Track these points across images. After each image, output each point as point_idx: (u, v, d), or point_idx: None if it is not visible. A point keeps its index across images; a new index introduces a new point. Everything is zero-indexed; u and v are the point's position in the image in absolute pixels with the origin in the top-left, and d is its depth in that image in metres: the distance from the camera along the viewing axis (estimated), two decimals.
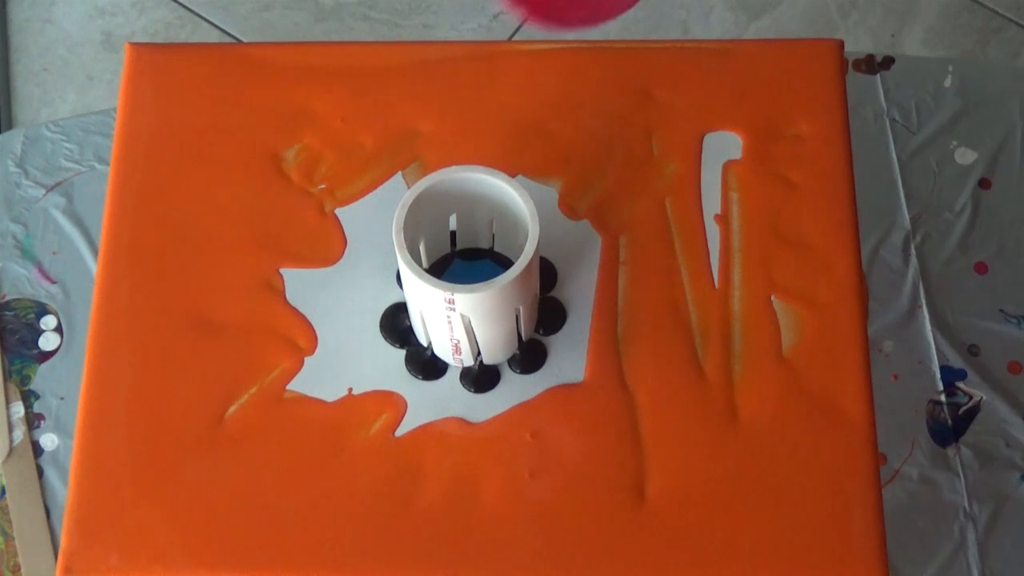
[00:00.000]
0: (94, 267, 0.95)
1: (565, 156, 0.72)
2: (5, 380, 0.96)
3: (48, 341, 0.97)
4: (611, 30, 1.44)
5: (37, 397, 0.95)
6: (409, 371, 0.67)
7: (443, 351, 0.67)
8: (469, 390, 0.67)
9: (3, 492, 0.93)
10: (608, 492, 0.65)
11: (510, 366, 0.67)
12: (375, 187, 0.72)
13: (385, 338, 0.68)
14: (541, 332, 0.68)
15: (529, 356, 0.67)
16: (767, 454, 0.65)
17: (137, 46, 0.75)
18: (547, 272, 0.69)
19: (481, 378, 0.67)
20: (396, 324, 0.68)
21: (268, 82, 0.74)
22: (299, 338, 0.68)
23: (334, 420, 0.67)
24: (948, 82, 1.07)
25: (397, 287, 0.69)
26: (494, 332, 0.64)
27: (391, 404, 0.67)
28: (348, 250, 0.70)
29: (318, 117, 0.73)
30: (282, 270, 0.70)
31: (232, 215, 0.71)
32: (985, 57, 1.39)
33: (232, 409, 0.67)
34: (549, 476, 0.65)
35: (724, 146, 0.72)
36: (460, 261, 0.69)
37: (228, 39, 1.41)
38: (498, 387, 0.67)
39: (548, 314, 0.68)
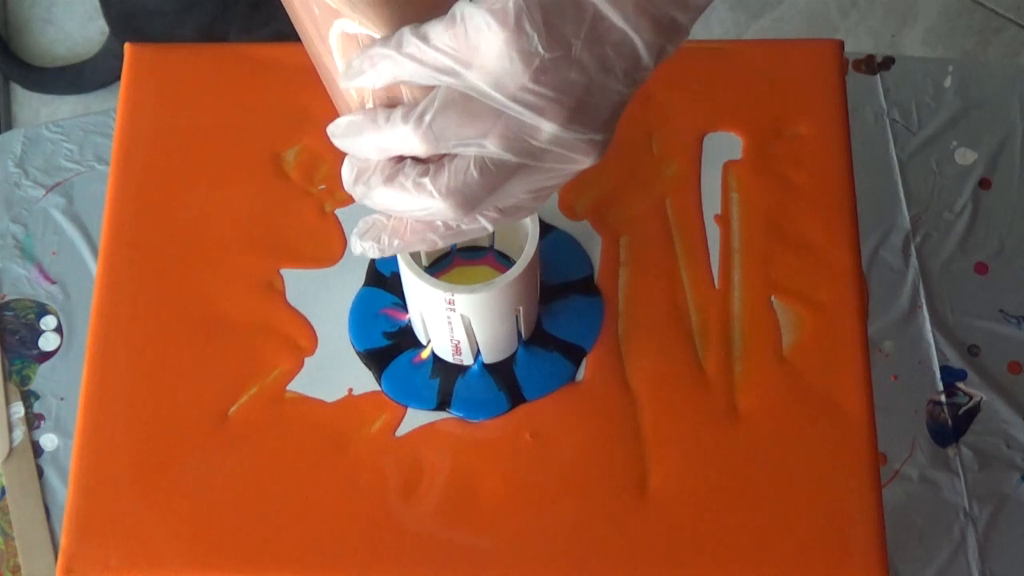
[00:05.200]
0: (94, 267, 0.95)
1: None
2: (5, 380, 0.96)
3: (48, 341, 0.97)
4: None
5: (37, 397, 0.95)
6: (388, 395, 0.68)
7: (443, 351, 0.67)
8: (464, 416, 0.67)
9: (3, 492, 0.93)
10: (609, 492, 0.65)
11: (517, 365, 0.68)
12: None
13: (364, 362, 0.68)
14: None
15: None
16: (768, 454, 0.65)
17: (137, 46, 0.75)
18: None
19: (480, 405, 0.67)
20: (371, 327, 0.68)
21: (268, 82, 0.74)
22: (299, 338, 0.68)
23: (334, 420, 0.67)
24: (948, 82, 1.06)
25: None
26: (494, 332, 0.64)
27: (391, 404, 0.67)
28: (348, 250, 0.70)
29: (318, 117, 0.73)
30: (282, 270, 0.70)
31: (232, 215, 0.71)
32: (985, 57, 1.39)
33: (232, 409, 0.67)
34: (549, 476, 0.65)
35: (724, 146, 0.72)
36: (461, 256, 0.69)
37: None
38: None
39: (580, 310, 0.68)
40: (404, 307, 0.68)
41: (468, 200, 0.47)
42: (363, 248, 0.52)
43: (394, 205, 0.48)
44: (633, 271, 0.70)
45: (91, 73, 1.39)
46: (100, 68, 1.38)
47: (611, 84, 0.46)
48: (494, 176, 0.47)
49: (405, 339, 0.68)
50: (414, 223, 0.50)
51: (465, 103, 0.46)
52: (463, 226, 0.49)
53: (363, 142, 0.48)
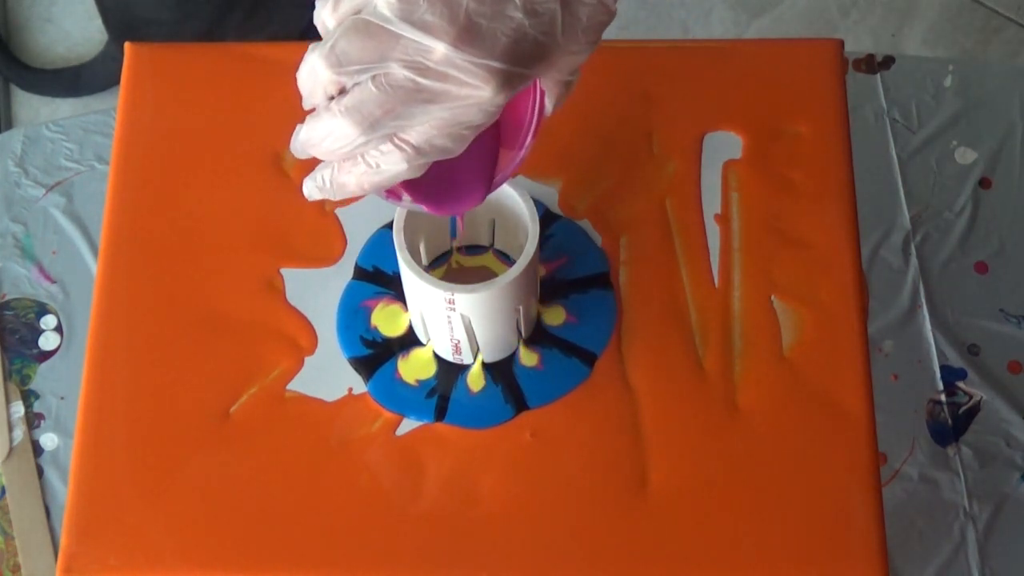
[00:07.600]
0: (94, 267, 0.95)
1: (565, 156, 0.72)
2: (5, 380, 0.96)
3: (48, 341, 0.97)
4: (611, 30, 1.44)
5: (37, 397, 0.95)
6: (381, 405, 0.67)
7: (443, 351, 0.67)
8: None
9: (3, 492, 0.93)
10: (609, 491, 0.65)
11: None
12: None
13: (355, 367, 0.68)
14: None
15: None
16: (768, 454, 0.65)
17: (137, 46, 0.75)
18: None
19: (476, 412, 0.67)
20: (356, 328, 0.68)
21: (268, 82, 0.74)
22: (299, 337, 0.68)
23: (334, 420, 0.67)
24: (948, 82, 1.06)
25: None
26: (494, 332, 0.64)
27: None
28: (348, 250, 0.70)
29: None
30: (282, 270, 0.70)
31: (232, 215, 0.71)
32: (985, 57, 1.39)
33: (232, 409, 0.67)
34: (549, 476, 0.65)
35: (724, 146, 0.72)
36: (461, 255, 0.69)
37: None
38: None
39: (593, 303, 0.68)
40: (385, 295, 0.68)
41: (365, 117, 0.49)
42: (308, 189, 0.54)
43: (312, 135, 0.51)
44: (633, 270, 0.70)
45: (88, 77, 1.39)
46: (97, 72, 1.38)
47: (506, 10, 0.48)
48: (391, 95, 0.48)
49: (385, 349, 0.68)
50: (342, 161, 0.52)
51: (367, 28, 0.48)
52: (381, 162, 0.51)
53: (301, 79, 0.51)
